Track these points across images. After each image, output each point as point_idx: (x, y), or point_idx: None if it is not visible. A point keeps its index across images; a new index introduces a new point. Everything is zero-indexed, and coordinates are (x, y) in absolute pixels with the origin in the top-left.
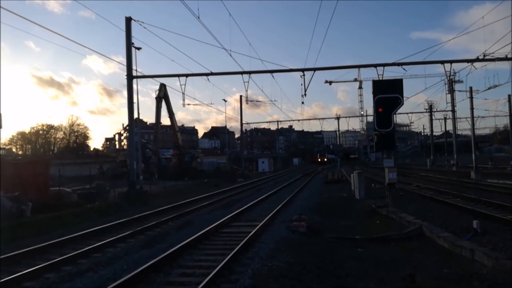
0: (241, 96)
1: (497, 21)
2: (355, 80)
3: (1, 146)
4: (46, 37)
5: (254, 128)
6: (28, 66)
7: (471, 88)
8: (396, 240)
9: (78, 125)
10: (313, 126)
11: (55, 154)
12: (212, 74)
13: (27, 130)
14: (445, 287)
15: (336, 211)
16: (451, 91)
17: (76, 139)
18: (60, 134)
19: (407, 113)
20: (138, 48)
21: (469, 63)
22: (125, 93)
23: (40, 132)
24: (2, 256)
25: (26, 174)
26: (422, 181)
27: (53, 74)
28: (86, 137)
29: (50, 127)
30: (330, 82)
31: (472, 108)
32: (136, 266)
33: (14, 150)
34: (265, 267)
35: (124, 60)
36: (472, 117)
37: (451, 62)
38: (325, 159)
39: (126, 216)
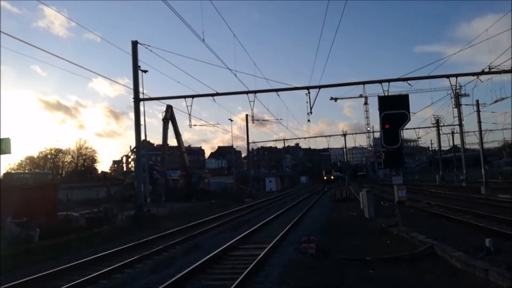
0: (247, 116)
1: (502, 33)
2: (361, 96)
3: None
4: (51, 61)
5: (261, 147)
6: (34, 90)
7: (477, 101)
8: (408, 261)
9: (86, 148)
10: (320, 144)
11: (63, 177)
12: (217, 94)
13: (35, 154)
14: None
15: (345, 231)
16: (458, 105)
17: (84, 163)
18: (68, 158)
19: (414, 128)
20: (145, 71)
21: (475, 76)
22: (132, 115)
23: (49, 156)
24: (8, 284)
25: (34, 199)
26: (432, 197)
27: (60, 98)
28: (94, 160)
29: (58, 151)
30: (336, 99)
31: (479, 122)
32: None
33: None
34: None
35: (130, 82)
36: (480, 130)
37: (456, 76)
38: (332, 177)
39: (134, 240)
